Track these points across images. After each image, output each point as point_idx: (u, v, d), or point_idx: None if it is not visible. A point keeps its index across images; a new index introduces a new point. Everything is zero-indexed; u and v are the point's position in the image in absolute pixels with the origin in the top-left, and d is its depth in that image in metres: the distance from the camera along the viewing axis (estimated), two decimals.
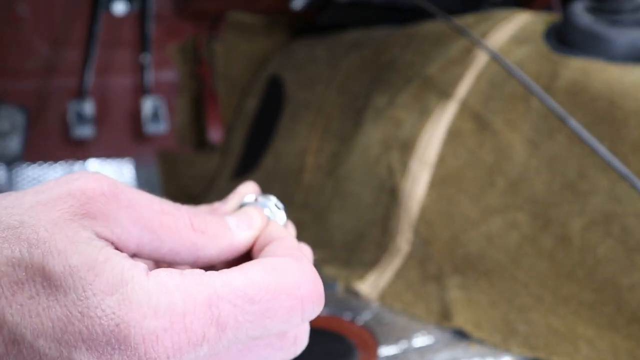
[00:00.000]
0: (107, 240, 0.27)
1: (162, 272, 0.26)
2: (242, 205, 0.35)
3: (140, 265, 0.26)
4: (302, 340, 0.31)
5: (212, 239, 0.31)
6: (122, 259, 0.25)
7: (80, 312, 0.24)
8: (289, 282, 0.28)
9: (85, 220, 0.26)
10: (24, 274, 0.24)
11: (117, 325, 0.24)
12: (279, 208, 0.35)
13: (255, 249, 0.33)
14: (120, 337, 0.24)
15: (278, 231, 0.33)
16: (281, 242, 0.32)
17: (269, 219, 0.34)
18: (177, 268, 0.27)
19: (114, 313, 0.24)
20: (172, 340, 0.24)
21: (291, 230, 0.36)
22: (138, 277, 0.25)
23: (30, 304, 0.24)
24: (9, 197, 0.27)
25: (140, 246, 0.29)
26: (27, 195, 0.27)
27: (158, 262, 0.32)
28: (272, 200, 0.35)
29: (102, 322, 0.24)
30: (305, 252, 0.34)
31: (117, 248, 0.28)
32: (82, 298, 0.24)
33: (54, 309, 0.24)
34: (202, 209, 0.35)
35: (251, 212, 0.33)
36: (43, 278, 0.24)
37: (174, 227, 0.30)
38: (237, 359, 0.28)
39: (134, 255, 0.29)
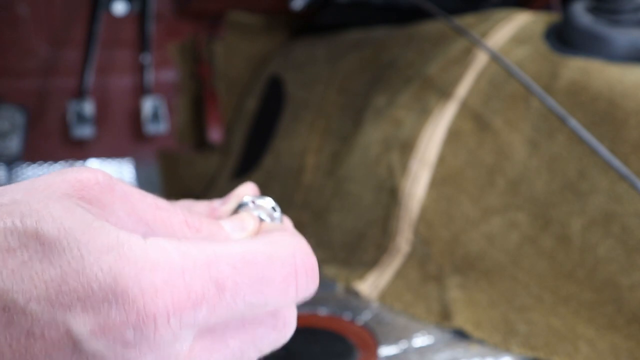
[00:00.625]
0: None
1: (160, 238, 0.26)
2: (239, 206, 0.35)
3: (136, 235, 0.25)
4: (291, 324, 0.30)
5: (206, 238, 0.31)
6: (118, 229, 0.25)
7: (75, 270, 0.23)
8: (284, 251, 0.28)
9: (81, 202, 0.26)
10: (16, 241, 0.24)
11: (114, 279, 0.23)
12: (275, 210, 0.35)
13: None
14: (117, 291, 0.23)
15: (272, 226, 0.33)
16: (276, 227, 0.32)
17: (262, 221, 0.34)
18: None
19: (110, 268, 0.23)
20: (172, 295, 0.24)
21: (287, 223, 0.36)
22: (135, 239, 0.25)
23: (23, 269, 0.23)
24: (2, 187, 0.26)
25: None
26: (21, 184, 0.26)
27: None
28: (269, 203, 0.35)
29: (98, 277, 0.23)
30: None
31: None
32: (76, 257, 0.23)
33: (47, 271, 0.23)
34: (200, 205, 0.35)
35: (244, 216, 0.33)
36: (37, 242, 0.24)
37: (168, 222, 0.29)
38: (234, 336, 0.28)
39: None
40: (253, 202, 0.35)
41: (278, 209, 0.35)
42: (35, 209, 0.24)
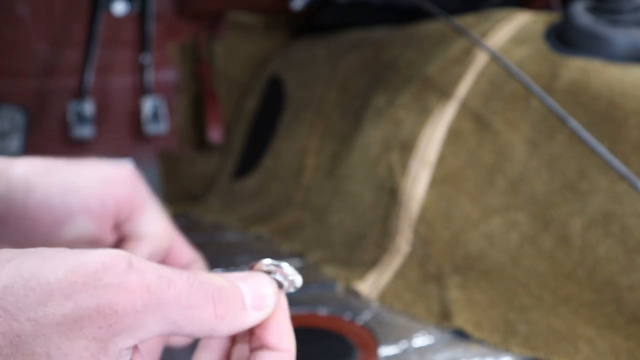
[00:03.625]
0: (129, 348, 0.28)
1: None
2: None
3: None
4: None
5: (229, 323, 0.31)
6: None
7: None
8: None
9: (111, 341, 0.27)
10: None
11: None
12: (291, 278, 0.35)
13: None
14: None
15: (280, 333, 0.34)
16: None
17: (281, 287, 0.35)
18: None
19: None
20: None
21: (283, 301, 0.36)
22: None
23: None
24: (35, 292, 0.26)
25: (157, 335, 0.29)
26: (55, 301, 0.26)
27: None
28: (287, 269, 0.35)
29: None
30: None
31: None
32: None
33: None
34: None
35: (266, 289, 0.33)
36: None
37: (198, 319, 0.29)
38: None
39: None
40: (270, 271, 0.35)
41: (294, 276, 0.36)
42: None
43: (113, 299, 0.26)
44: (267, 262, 0.35)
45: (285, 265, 0.35)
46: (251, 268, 0.35)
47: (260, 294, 0.32)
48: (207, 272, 0.32)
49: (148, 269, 0.27)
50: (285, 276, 0.35)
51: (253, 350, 0.34)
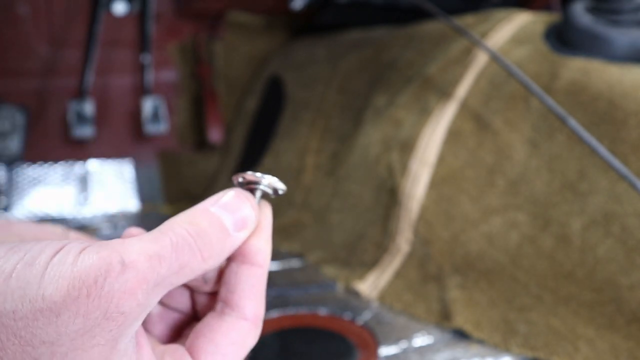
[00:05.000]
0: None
1: None
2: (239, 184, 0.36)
3: None
4: None
5: (217, 257, 0.32)
6: None
7: None
8: None
9: (121, 337, 0.28)
10: None
11: None
12: (274, 186, 0.36)
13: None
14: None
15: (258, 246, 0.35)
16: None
17: (261, 198, 0.35)
18: None
19: None
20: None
21: (266, 212, 0.36)
22: None
23: None
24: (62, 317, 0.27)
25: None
26: (74, 319, 0.27)
27: None
28: (269, 179, 0.35)
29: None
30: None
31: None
32: None
33: None
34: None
35: (246, 210, 0.34)
36: None
37: (189, 271, 0.30)
38: None
39: None
40: (249, 182, 0.35)
41: (277, 185, 0.36)
42: None
43: (118, 302, 0.27)
44: (248, 174, 0.35)
45: (267, 176, 0.35)
46: (235, 182, 0.36)
47: (241, 216, 0.33)
48: (189, 211, 0.33)
49: (139, 257, 0.28)
50: (268, 185, 0.35)
51: (230, 259, 0.35)
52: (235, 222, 0.33)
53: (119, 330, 0.27)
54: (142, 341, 0.30)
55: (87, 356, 0.27)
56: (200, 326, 0.34)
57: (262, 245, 0.35)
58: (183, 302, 0.37)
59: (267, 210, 0.36)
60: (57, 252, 0.27)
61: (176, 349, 0.33)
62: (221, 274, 0.36)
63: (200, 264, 0.31)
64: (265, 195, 0.36)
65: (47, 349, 0.26)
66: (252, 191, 0.35)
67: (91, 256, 0.27)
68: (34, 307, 0.26)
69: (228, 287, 0.34)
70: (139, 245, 0.29)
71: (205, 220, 0.32)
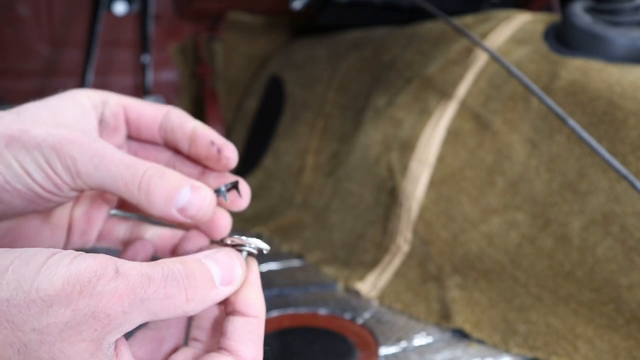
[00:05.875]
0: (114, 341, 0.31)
1: None
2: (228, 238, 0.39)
3: None
4: None
5: (200, 303, 0.34)
6: None
7: None
8: None
9: (104, 339, 0.30)
10: None
11: None
12: (260, 247, 0.39)
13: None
14: None
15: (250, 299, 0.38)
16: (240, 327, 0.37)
17: (247, 258, 0.38)
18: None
19: None
20: None
21: (253, 268, 0.39)
22: None
23: None
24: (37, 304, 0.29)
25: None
26: (56, 311, 0.29)
27: None
28: (254, 242, 0.39)
29: None
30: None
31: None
32: None
33: None
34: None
35: (234, 265, 0.36)
36: None
37: (172, 306, 0.33)
38: None
39: None
40: (237, 244, 0.38)
41: (260, 246, 0.39)
42: None
43: (106, 304, 0.30)
44: (235, 237, 0.38)
45: (252, 240, 0.38)
46: (221, 242, 0.39)
47: (229, 270, 0.36)
48: (181, 257, 0.36)
49: (131, 271, 0.31)
50: (254, 247, 0.38)
51: (227, 314, 0.38)
52: (223, 277, 0.35)
53: (103, 331, 0.30)
54: (123, 350, 0.32)
55: (72, 349, 0.29)
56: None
57: (255, 299, 0.38)
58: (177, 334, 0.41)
59: (254, 266, 0.39)
60: (53, 254, 0.30)
61: None
62: (215, 325, 0.40)
63: (183, 304, 0.33)
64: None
65: (36, 336, 0.29)
66: (240, 251, 0.38)
67: (87, 260, 0.30)
68: (27, 297, 0.29)
69: (226, 335, 0.37)
70: (134, 263, 0.31)
71: (196, 267, 0.34)
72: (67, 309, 0.29)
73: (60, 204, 0.39)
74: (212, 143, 0.42)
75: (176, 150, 0.44)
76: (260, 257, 0.40)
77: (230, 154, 0.43)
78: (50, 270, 0.29)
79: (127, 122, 0.44)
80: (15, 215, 0.39)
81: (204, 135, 0.42)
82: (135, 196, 0.37)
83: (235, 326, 0.37)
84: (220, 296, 0.35)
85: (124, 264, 0.31)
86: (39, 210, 0.39)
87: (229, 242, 0.38)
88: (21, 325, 0.28)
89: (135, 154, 0.45)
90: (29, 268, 0.29)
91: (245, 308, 0.37)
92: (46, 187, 0.37)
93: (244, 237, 0.38)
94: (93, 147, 0.36)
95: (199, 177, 0.43)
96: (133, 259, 0.38)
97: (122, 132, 0.44)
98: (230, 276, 0.36)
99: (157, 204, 0.37)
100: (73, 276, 0.29)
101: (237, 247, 0.38)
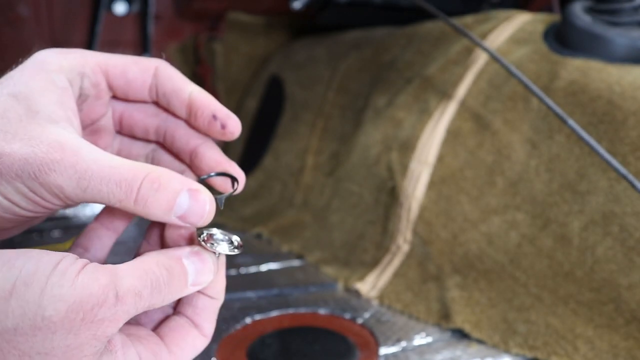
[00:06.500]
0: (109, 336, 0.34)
1: None
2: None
3: None
4: None
5: (170, 298, 0.37)
6: None
7: None
8: None
9: (99, 339, 0.33)
10: None
11: None
12: (236, 244, 0.41)
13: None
14: None
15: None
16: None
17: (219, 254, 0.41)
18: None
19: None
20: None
21: (222, 258, 0.42)
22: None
23: None
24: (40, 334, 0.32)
25: None
26: (58, 332, 0.32)
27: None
28: (227, 249, 0.41)
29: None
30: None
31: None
32: None
33: None
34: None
35: (207, 270, 0.39)
36: None
37: (152, 305, 0.36)
38: None
39: None
40: (213, 239, 0.41)
41: (231, 244, 0.41)
42: None
43: (106, 329, 0.33)
44: (214, 234, 0.41)
45: (224, 246, 0.41)
46: (206, 238, 0.41)
47: (201, 275, 0.39)
48: (168, 253, 0.38)
49: (128, 294, 0.34)
50: (227, 250, 0.41)
51: (199, 291, 0.42)
52: (195, 280, 0.38)
53: (102, 345, 0.33)
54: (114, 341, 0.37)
55: None
56: (173, 326, 0.41)
57: (222, 286, 0.43)
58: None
59: (223, 259, 0.43)
60: (54, 271, 0.32)
61: (151, 336, 0.40)
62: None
63: (160, 302, 0.37)
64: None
65: (41, 358, 0.31)
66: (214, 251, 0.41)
67: (91, 283, 0.32)
68: (33, 325, 0.31)
69: (196, 311, 0.42)
70: (130, 281, 0.34)
71: (177, 270, 0.37)
72: (70, 334, 0.31)
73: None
74: (215, 117, 0.43)
75: (167, 111, 0.45)
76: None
77: (235, 128, 0.45)
78: (53, 293, 0.31)
79: (112, 88, 0.44)
80: (12, 228, 0.39)
81: (204, 106, 0.43)
82: (131, 210, 0.36)
83: (205, 305, 0.42)
84: (186, 294, 0.39)
85: (122, 285, 0.33)
86: (36, 222, 0.41)
87: (208, 245, 0.40)
88: (27, 350, 0.31)
89: (119, 152, 0.47)
90: (32, 291, 0.31)
91: (215, 294, 0.42)
92: (37, 210, 0.37)
93: (221, 236, 0.41)
94: (78, 170, 0.35)
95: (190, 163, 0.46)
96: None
97: (105, 99, 0.44)
98: (200, 280, 0.39)
99: (156, 216, 0.37)
100: (77, 303, 0.31)
101: (213, 245, 0.40)
